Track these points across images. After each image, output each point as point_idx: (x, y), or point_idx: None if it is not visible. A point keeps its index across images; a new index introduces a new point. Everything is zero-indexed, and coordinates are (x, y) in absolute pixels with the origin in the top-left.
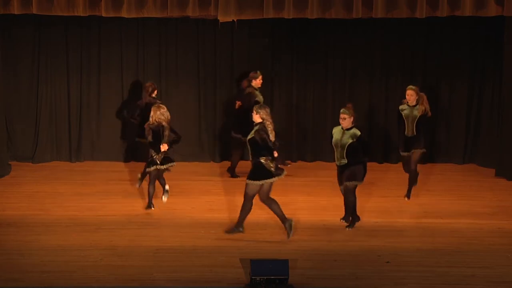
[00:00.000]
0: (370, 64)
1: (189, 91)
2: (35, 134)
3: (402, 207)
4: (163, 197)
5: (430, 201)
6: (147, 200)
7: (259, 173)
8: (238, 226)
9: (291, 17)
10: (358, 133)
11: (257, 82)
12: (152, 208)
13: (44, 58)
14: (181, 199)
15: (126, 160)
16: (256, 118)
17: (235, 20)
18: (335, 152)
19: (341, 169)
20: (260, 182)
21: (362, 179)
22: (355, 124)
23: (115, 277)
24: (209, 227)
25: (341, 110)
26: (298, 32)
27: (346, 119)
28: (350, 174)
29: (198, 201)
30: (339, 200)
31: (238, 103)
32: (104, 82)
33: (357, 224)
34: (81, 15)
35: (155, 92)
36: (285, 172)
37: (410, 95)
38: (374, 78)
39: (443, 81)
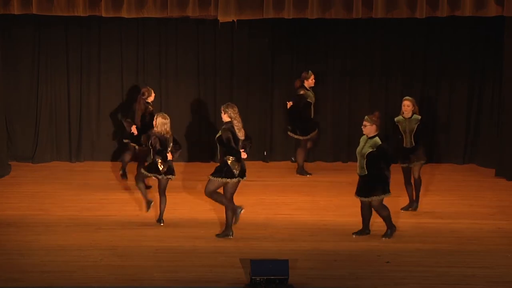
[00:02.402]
0: (370, 64)
1: (189, 91)
2: (35, 134)
3: (402, 207)
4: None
5: (430, 201)
6: (158, 212)
7: (222, 171)
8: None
9: (291, 17)
10: (379, 142)
11: (309, 82)
12: (162, 224)
13: (44, 58)
14: (181, 199)
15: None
16: (225, 118)
17: (235, 20)
18: (357, 161)
19: (360, 180)
20: (223, 180)
21: (387, 191)
22: (378, 133)
23: (115, 277)
24: (209, 227)
25: (365, 117)
26: (298, 32)
27: (366, 126)
28: (371, 190)
29: (198, 201)
30: (339, 200)
31: (289, 103)
32: (104, 82)
33: (357, 223)
34: (81, 15)
35: (150, 98)
36: (245, 176)
37: (407, 105)
38: (374, 78)
39: (443, 81)
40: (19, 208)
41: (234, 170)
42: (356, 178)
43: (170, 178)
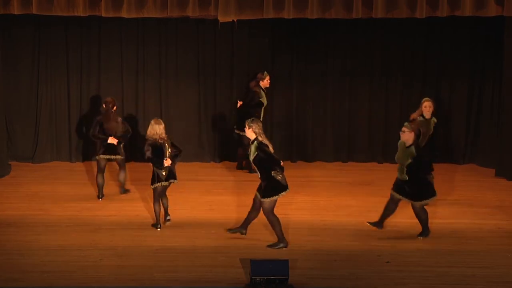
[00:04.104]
0: (370, 64)
1: (189, 91)
2: (35, 134)
3: (402, 207)
4: (166, 222)
5: (430, 201)
6: (155, 218)
7: (273, 189)
8: (279, 241)
9: (291, 17)
10: (414, 153)
11: (264, 83)
12: (159, 229)
13: (44, 58)
14: (181, 199)
15: (126, 160)
16: (249, 133)
17: (235, 20)
18: (398, 165)
19: (401, 182)
20: (276, 197)
21: (431, 197)
22: (414, 141)
23: (115, 277)
24: (209, 227)
25: (404, 124)
26: (298, 32)
27: (405, 133)
28: (416, 194)
29: (198, 201)
30: (339, 200)
31: (240, 102)
32: (104, 82)
33: (357, 223)
34: (81, 15)
35: (115, 108)
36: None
37: (429, 106)
38: (374, 78)
39: (443, 81)
40: (19, 208)
41: (284, 182)
42: (356, 178)
43: (172, 182)
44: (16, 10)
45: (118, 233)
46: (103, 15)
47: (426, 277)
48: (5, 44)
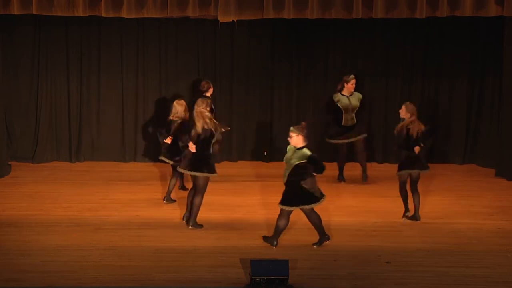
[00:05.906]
0: (370, 64)
1: (189, 91)
2: (35, 134)
3: (402, 207)
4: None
5: (430, 201)
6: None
7: (211, 167)
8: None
9: (291, 17)
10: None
11: (348, 86)
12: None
13: (44, 58)
14: (181, 199)
15: (126, 160)
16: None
17: (235, 20)
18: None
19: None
20: (210, 175)
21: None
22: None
23: (115, 277)
24: (209, 227)
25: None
26: (298, 32)
27: (292, 138)
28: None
29: None
30: (339, 200)
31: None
32: (104, 82)
33: (357, 223)
34: (81, 15)
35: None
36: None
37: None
38: (374, 78)
39: (443, 81)
40: (19, 208)
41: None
42: (356, 178)
43: None
44: (16, 10)
45: (118, 233)
46: (103, 15)
47: (426, 277)
48: (5, 44)
